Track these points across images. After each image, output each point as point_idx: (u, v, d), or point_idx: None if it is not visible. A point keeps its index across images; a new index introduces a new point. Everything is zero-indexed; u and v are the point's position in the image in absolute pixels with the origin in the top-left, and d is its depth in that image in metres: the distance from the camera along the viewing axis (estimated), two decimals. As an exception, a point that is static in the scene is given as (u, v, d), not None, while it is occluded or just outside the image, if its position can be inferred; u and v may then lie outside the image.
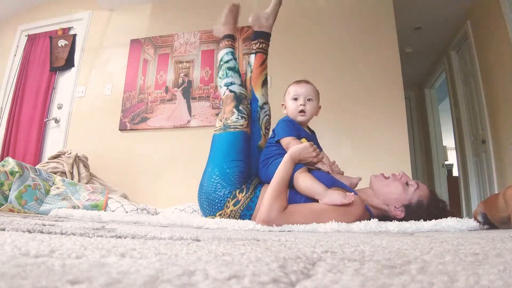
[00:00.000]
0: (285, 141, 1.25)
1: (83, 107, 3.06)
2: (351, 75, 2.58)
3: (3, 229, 0.55)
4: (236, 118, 1.36)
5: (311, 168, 1.22)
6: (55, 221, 0.92)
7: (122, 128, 2.89)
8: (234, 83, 1.46)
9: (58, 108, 3.10)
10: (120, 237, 0.53)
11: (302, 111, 1.30)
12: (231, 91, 1.44)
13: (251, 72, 1.54)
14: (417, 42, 3.59)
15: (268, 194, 1.11)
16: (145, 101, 2.91)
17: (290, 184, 1.16)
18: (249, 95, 1.50)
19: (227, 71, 1.49)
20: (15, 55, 3.37)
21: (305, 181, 1.13)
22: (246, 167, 1.29)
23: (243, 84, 1.50)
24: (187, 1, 3.13)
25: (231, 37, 1.60)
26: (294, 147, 1.18)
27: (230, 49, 1.56)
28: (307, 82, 1.36)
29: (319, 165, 1.22)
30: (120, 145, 2.87)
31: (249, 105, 1.44)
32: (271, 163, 1.26)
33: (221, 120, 1.40)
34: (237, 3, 1.63)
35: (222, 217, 1.22)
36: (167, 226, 1.03)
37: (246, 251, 0.38)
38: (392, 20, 2.61)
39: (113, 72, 3.10)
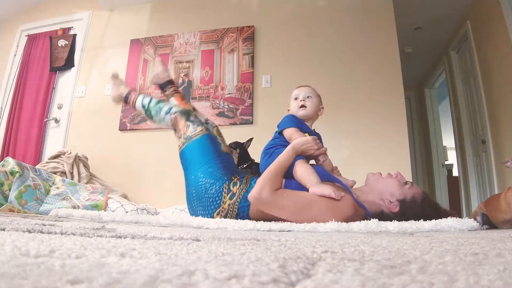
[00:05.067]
0: (288, 131, 1.31)
1: (83, 107, 3.06)
2: (351, 75, 2.58)
3: (3, 229, 0.55)
4: (193, 128, 1.41)
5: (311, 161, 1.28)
6: (55, 221, 0.92)
7: (122, 128, 2.89)
8: (171, 107, 1.51)
9: (58, 108, 3.10)
10: (120, 237, 0.53)
11: (302, 106, 1.38)
12: (174, 112, 1.48)
13: (178, 106, 1.65)
14: (417, 42, 3.60)
15: (264, 174, 1.17)
16: (145, 101, 2.91)
17: (288, 175, 1.20)
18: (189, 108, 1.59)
19: (156, 105, 1.52)
20: (15, 55, 3.37)
21: (303, 170, 1.18)
22: (224, 161, 1.36)
23: (179, 104, 1.58)
24: (187, 1, 3.13)
25: (132, 91, 1.65)
26: (297, 139, 1.24)
27: (142, 95, 1.61)
28: (307, 85, 1.47)
29: (320, 157, 1.27)
30: (120, 145, 2.87)
31: (196, 113, 1.52)
32: (273, 153, 1.31)
33: (180, 137, 1.43)
34: (115, 73, 1.73)
35: (221, 215, 1.23)
36: (167, 226, 1.03)
37: (246, 251, 0.38)
38: (392, 20, 2.61)
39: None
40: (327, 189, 1.09)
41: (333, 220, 0.98)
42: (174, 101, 1.65)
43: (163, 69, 1.75)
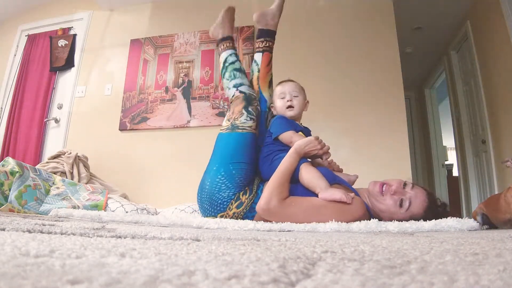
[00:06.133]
0: (286, 135, 1.27)
1: (83, 107, 3.06)
2: (351, 75, 2.58)
3: (3, 229, 0.55)
4: (245, 119, 1.34)
5: (314, 163, 1.24)
6: (55, 221, 0.92)
7: (122, 128, 2.89)
8: (243, 84, 1.45)
9: (58, 108, 3.10)
10: (120, 237, 0.53)
11: (289, 106, 1.35)
12: (241, 91, 1.42)
13: (258, 71, 1.52)
14: (417, 42, 3.59)
15: (270, 183, 1.13)
16: (145, 101, 2.91)
17: (293, 179, 1.17)
18: (257, 95, 1.48)
19: (234, 72, 1.47)
20: (15, 55, 3.37)
21: (310, 174, 1.14)
22: (252, 170, 1.29)
23: (251, 85, 1.49)
24: (187, 1, 3.13)
25: (230, 39, 1.57)
26: (299, 141, 1.20)
27: (233, 51, 1.54)
28: (290, 80, 1.42)
29: (323, 156, 1.23)
30: (120, 145, 2.87)
31: (258, 106, 1.42)
32: (274, 159, 1.27)
33: (229, 120, 1.37)
34: (233, 6, 1.62)
35: (224, 218, 1.22)
36: (167, 226, 1.03)
37: (246, 251, 0.38)
38: (392, 20, 2.61)
39: (113, 72, 3.10)
40: (337, 193, 1.06)
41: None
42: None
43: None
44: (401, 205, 1.10)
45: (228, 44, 1.54)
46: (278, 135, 1.29)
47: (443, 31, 3.43)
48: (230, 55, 1.52)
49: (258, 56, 1.53)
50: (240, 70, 1.49)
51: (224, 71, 1.50)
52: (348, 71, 2.59)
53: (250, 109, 1.36)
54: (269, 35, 1.54)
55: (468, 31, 3.12)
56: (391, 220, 1.08)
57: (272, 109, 1.43)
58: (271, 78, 1.54)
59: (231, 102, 1.44)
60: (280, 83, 1.42)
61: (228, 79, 1.47)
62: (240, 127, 1.32)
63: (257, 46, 1.56)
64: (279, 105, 1.37)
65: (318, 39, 2.72)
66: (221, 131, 1.37)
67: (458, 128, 3.58)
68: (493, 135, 2.79)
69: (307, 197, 1.12)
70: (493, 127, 2.80)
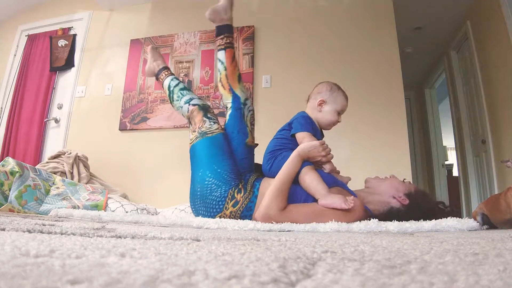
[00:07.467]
0: (301, 135, 1.26)
1: (83, 107, 3.06)
2: (351, 75, 2.58)
3: (3, 229, 0.55)
4: (209, 125, 1.38)
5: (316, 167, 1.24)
6: (55, 221, 0.92)
7: (122, 128, 2.89)
8: (193, 98, 1.49)
9: (58, 108, 3.10)
10: (120, 237, 0.53)
11: (335, 125, 1.39)
12: (193, 105, 1.45)
13: (225, 69, 1.47)
14: (417, 42, 3.59)
15: (270, 191, 1.13)
16: (145, 101, 2.91)
17: (295, 180, 1.17)
18: (227, 94, 1.47)
19: (181, 91, 1.51)
20: (15, 55, 3.37)
21: (310, 179, 1.14)
22: (234, 164, 1.31)
23: (200, 98, 1.53)
24: (187, 1, 3.13)
25: (167, 68, 1.64)
26: (303, 144, 1.20)
27: (173, 76, 1.60)
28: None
29: (326, 165, 1.23)
30: (120, 145, 2.87)
31: (213, 112, 1.47)
32: (277, 157, 1.26)
33: (194, 131, 1.39)
34: (155, 46, 1.77)
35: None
36: (167, 226, 1.03)
37: (246, 251, 0.38)
38: (392, 20, 2.61)
39: (113, 72, 3.11)
40: (337, 201, 1.07)
41: None
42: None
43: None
44: (404, 180, 1.27)
45: (167, 72, 1.61)
46: (295, 133, 1.28)
47: (443, 31, 3.43)
48: (172, 79, 1.57)
49: (221, 55, 1.49)
50: (185, 88, 1.53)
51: (171, 95, 1.53)
52: (348, 71, 2.59)
53: (209, 115, 1.42)
54: (227, 30, 1.49)
55: (468, 31, 3.12)
56: (401, 198, 1.19)
57: (319, 103, 1.35)
58: (239, 73, 1.50)
59: (188, 119, 1.47)
60: (346, 97, 1.40)
61: (178, 100, 1.50)
62: (208, 132, 1.36)
63: (218, 44, 1.51)
64: (331, 118, 1.34)
65: (318, 39, 2.72)
66: (192, 143, 1.38)
67: (458, 128, 3.58)
68: (493, 135, 2.79)
69: (307, 203, 1.13)
70: (493, 127, 2.80)
